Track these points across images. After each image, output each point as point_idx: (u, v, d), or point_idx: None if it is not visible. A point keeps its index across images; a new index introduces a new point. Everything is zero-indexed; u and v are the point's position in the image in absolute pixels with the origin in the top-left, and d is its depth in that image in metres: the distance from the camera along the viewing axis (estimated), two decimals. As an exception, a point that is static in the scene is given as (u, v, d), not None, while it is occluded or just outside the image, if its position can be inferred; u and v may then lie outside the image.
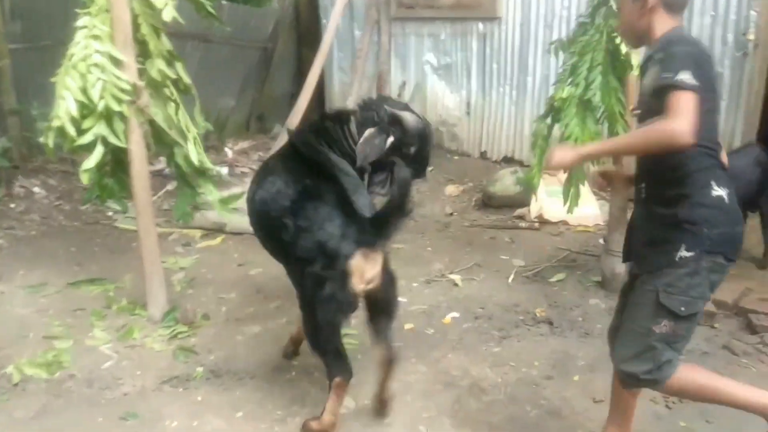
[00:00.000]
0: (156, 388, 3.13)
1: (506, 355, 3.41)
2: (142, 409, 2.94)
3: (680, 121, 1.89)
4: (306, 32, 8.57)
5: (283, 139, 6.05)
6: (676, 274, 2.12)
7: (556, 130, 4.05)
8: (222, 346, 3.51)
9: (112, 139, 3.36)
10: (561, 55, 4.14)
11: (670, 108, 1.92)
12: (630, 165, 2.76)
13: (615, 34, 3.71)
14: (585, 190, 4.46)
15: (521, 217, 5.60)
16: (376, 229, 2.54)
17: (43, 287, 4.17)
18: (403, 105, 3.05)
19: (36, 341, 3.52)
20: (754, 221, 4.30)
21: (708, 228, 2.09)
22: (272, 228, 2.77)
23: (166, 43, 3.58)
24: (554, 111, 3.96)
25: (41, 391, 3.08)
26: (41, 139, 3.47)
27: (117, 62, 3.33)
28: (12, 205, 5.52)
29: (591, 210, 5.37)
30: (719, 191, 2.11)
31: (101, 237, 5.16)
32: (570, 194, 4.13)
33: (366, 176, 2.86)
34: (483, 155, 7.10)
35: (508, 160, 6.84)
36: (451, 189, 6.39)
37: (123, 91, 3.32)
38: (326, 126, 2.92)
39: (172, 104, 3.64)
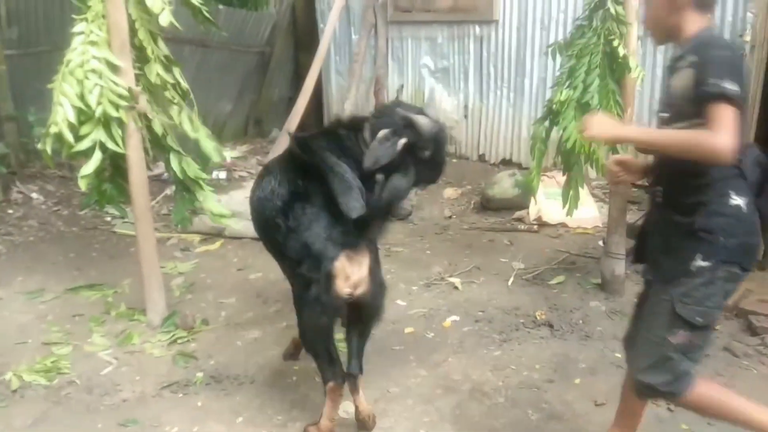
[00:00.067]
0: (156, 393, 3.12)
1: (507, 359, 3.41)
2: (141, 415, 2.93)
3: (724, 136, 1.85)
4: (303, 36, 8.57)
5: (281, 143, 6.06)
6: (692, 284, 2.08)
7: (555, 133, 4.05)
8: (222, 351, 3.50)
9: (110, 145, 3.36)
10: (558, 58, 4.14)
11: (714, 121, 1.87)
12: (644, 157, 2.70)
13: (612, 37, 3.72)
14: (584, 192, 4.46)
15: (520, 220, 5.59)
16: (360, 231, 2.52)
17: (42, 293, 4.16)
18: (417, 109, 3.02)
19: (35, 347, 3.51)
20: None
21: (725, 237, 2.05)
22: (268, 228, 2.78)
23: (163, 49, 3.58)
24: (552, 114, 3.97)
25: (40, 398, 3.07)
26: (39, 146, 3.46)
27: (114, 68, 3.33)
28: (10, 211, 5.51)
29: (590, 212, 5.37)
30: (737, 200, 2.07)
31: (100, 242, 5.15)
32: (569, 196, 4.13)
33: (380, 180, 2.82)
34: (481, 158, 7.10)
35: (506, 163, 6.84)
36: (449, 192, 6.38)
37: (120, 96, 3.32)
38: (339, 133, 2.91)
39: (175, 107, 3.63)
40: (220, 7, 8.26)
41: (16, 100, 5.90)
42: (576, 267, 4.58)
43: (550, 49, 4.21)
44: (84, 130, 3.31)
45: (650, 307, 2.23)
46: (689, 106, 1.99)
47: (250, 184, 3.20)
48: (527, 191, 4.92)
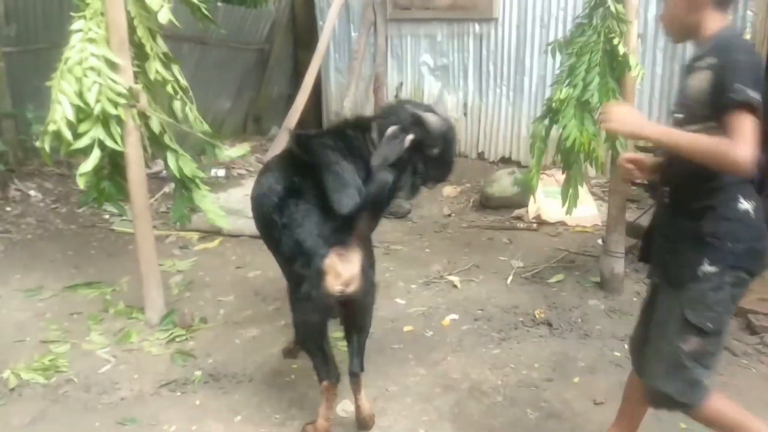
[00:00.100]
0: (154, 392, 3.11)
1: (506, 357, 3.41)
2: (139, 413, 2.93)
3: (745, 147, 1.81)
4: (302, 34, 8.56)
5: (280, 141, 6.04)
6: (700, 290, 2.05)
7: (554, 131, 4.05)
8: (220, 350, 3.49)
9: (109, 143, 3.35)
10: (558, 56, 4.13)
11: (735, 130, 1.83)
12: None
13: (612, 35, 3.71)
14: (583, 190, 4.46)
15: (519, 218, 5.59)
16: (350, 227, 2.50)
17: (40, 291, 4.15)
18: (426, 106, 2.98)
19: (33, 345, 3.50)
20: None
21: (732, 242, 2.02)
22: (266, 224, 2.78)
23: (162, 46, 3.57)
24: (552, 112, 3.96)
25: (38, 396, 3.06)
26: (37, 143, 3.45)
27: (113, 65, 3.32)
28: (8, 209, 5.50)
29: (589, 210, 5.37)
30: (745, 205, 2.03)
31: (98, 240, 5.14)
32: (568, 195, 4.13)
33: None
34: (480, 156, 7.09)
35: (506, 161, 6.84)
36: (448, 190, 6.38)
37: (119, 94, 3.31)
38: (347, 133, 2.89)
39: (178, 102, 3.62)
40: (219, 4, 8.25)
41: (14, 97, 5.90)
42: (575, 265, 4.58)
43: (549, 47, 4.20)
44: (82, 127, 3.30)
45: (660, 314, 2.20)
46: (702, 109, 1.95)
47: (248, 182, 3.20)
48: (526, 189, 4.92)
